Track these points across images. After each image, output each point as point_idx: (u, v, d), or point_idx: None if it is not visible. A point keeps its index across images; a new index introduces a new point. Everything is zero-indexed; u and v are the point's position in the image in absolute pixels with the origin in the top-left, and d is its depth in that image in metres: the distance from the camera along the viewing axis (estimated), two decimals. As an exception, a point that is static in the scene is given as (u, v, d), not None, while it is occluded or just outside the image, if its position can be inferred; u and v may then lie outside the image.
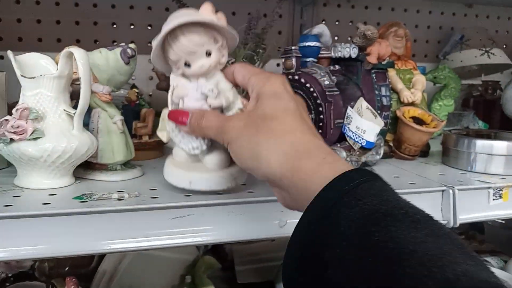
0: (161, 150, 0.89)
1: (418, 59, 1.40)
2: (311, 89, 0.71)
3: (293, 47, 0.72)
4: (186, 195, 0.64)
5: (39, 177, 0.66)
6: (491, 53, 1.26)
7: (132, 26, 1.18)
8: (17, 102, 0.89)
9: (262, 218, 0.64)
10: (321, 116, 0.71)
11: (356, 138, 0.77)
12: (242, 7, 1.21)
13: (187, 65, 0.60)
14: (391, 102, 0.85)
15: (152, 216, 0.59)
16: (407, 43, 0.97)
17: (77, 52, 0.63)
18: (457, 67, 1.29)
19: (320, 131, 0.71)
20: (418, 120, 0.90)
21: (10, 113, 0.66)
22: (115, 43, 1.16)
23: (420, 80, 0.94)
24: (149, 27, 1.19)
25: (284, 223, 0.64)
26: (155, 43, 0.59)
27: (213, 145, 0.64)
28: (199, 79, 0.61)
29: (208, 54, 0.60)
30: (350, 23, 1.33)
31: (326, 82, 0.72)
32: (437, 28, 1.42)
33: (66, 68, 0.65)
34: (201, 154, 0.64)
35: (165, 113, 0.65)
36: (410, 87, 0.94)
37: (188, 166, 0.65)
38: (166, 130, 0.65)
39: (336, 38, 1.30)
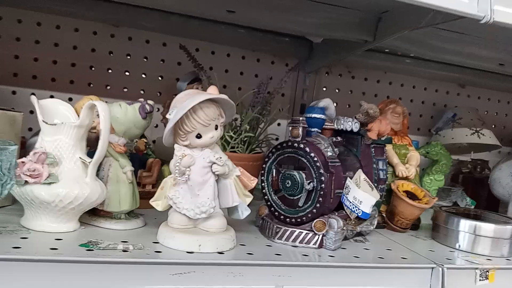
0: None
1: (412, 132, 1.47)
2: (315, 159, 0.75)
3: (300, 118, 0.77)
4: (188, 251, 0.66)
5: (46, 220, 0.68)
6: (481, 133, 1.33)
7: (143, 76, 1.23)
8: (23, 137, 0.93)
9: (260, 281, 0.65)
10: (323, 185, 0.75)
11: (353, 208, 0.81)
12: (250, 68, 1.28)
13: (198, 136, 0.66)
14: (387, 175, 0.90)
15: (155, 270, 0.61)
16: (404, 119, 1.03)
17: (100, 106, 0.67)
18: (448, 143, 1.36)
19: (320, 199, 0.75)
20: (411, 195, 0.94)
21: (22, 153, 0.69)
22: (125, 90, 1.21)
23: (415, 156, 0.99)
24: (160, 78, 1.24)
25: (280, 287, 0.66)
26: (176, 115, 0.64)
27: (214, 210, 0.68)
28: (204, 150, 0.67)
29: (216, 128, 0.68)
30: (350, 92, 1.40)
31: (329, 154, 0.76)
32: (431, 104, 1.49)
33: (87, 119, 0.69)
34: (202, 220, 0.68)
35: (166, 181, 0.69)
36: (405, 162, 0.99)
37: (191, 231, 0.69)
38: (161, 200, 0.70)
39: (335, 104, 1.36)
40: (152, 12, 1.10)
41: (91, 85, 1.19)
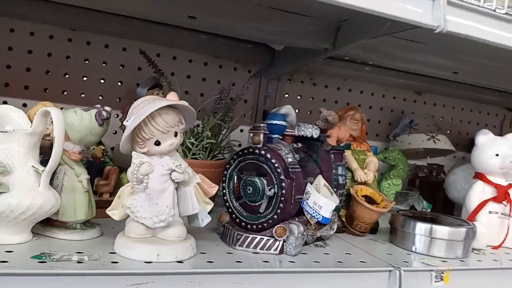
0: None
1: (370, 137, 1.50)
2: (276, 165, 0.75)
3: (261, 124, 0.78)
4: (146, 261, 0.65)
5: (1, 232, 0.65)
6: (436, 138, 1.38)
7: (102, 81, 1.20)
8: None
9: (220, 289, 0.65)
10: (283, 191, 0.75)
11: (313, 213, 0.81)
12: (213, 74, 1.28)
13: (157, 144, 0.65)
14: (346, 180, 0.91)
15: (111, 282, 0.59)
16: (362, 126, 1.05)
17: (54, 112, 0.64)
18: (405, 148, 1.39)
19: (281, 205, 0.75)
20: (369, 199, 0.96)
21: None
22: (83, 95, 1.18)
23: (373, 162, 1.01)
24: (119, 83, 1.21)
25: (241, 295, 0.66)
26: (134, 121, 0.63)
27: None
28: (163, 157, 0.66)
29: (175, 134, 0.67)
30: (311, 99, 1.42)
31: (290, 160, 0.77)
32: (389, 111, 1.54)
33: (40, 126, 0.67)
34: (161, 229, 0.67)
35: (123, 190, 0.68)
36: (364, 167, 1.01)
37: (149, 240, 0.67)
38: (118, 209, 0.69)
39: (297, 111, 1.37)
40: (112, 17, 1.08)
41: (47, 91, 1.15)
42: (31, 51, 1.13)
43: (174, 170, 0.67)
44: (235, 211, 0.81)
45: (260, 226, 0.77)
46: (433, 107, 1.60)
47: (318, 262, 0.75)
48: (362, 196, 0.96)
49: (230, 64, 1.31)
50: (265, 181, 0.76)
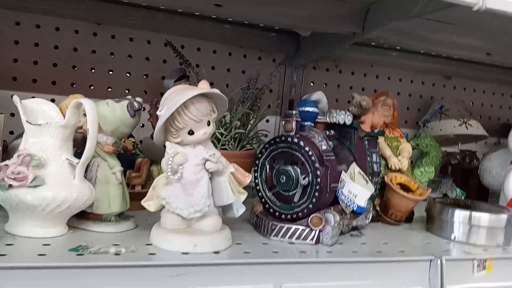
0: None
1: (399, 124, 1.46)
2: (310, 153, 0.74)
3: (293, 112, 0.76)
4: (183, 252, 0.64)
5: (33, 225, 0.65)
6: (469, 124, 1.34)
7: (128, 74, 1.20)
8: (5, 141, 0.89)
9: (258, 280, 0.64)
10: (318, 180, 0.73)
11: (348, 202, 0.79)
12: (237, 64, 1.26)
13: (190, 133, 0.63)
14: (381, 168, 0.89)
15: (150, 273, 0.58)
16: (394, 112, 1.02)
17: (88, 104, 0.64)
18: (436, 135, 1.36)
19: (316, 194, 0.73)
20: (404, 187, 0.94)
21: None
22: (109, 89, 1.18)
23: (406, 148, 0.98)
24: (145, 76, 1.21)
25: (279, 286, 0.64)
26: (167, 111, 0.62)
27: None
28: (197, 147, 0.65)
29: (208, 123, 0.66)
30: (337, 86, 1.39)
31: (324, 147, 0.75)
32: (418, 97, 1.50)
33: (73, 118, 0.66)
34: (196, 219, 0.66)
35: (158, 181, 0.67)
36: (397, 154, 0.98)
37: (185, 231, 0.66)
38: (153, 200, 0.68)
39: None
40: (135, 9, 1.07)
41: (74, 86, 1.15)
42: (57, 47, 1.13)
43: (208, 160, 0.66)
44: (268, 201, 0.79)
45: (295, 216, 0.76)
46: (463, 92, 1.55)
47: (356, 252, 0.73)
48: (397, 183, 0.93)
49: (254, 53, 1.29)
50: (298, 170, 0.75)
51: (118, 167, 0.73)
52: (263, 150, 0.80)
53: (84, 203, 0.66)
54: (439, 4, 0.73)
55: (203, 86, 0.67)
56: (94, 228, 0.72)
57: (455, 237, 0.87)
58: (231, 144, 0.95)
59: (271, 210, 0.79)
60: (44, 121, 0.67)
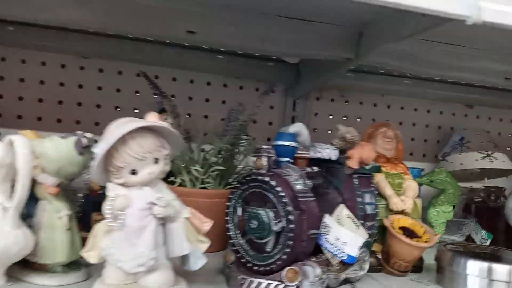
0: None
1: (416, 158, 1.33)
2: (282, 194, 0.63)
3: (264, 146, 0.66)
4: (123, 313, 0.54)
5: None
6: (493, 157, 1.19)
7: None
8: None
9: None
10: (292, 226, 0.62)
11: (335, 251, 0.68)
12: (232, 96, 1.18)
13: (133, 173, 0.55)
14: (377, 210, 0.77)
15: None
16: (398, 144, 0.90)
17: (18, 140, 0.57)
18: (457, 169, 1.22)
19: (290, 242, 0.62)
20: (409, 231, 0.81)
21: None
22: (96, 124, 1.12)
23: (411, 186, 0.86)
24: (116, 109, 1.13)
25: None
26: (103, 148, 0.54)
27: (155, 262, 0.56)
28: (143, 188, 0.57)
29: (156, 161, 0.57)
30: (345, 118, 1.29)
31: (299, 187, 0.64)
32: (436, 128, 1.36)
33: (8, 157, 0.59)
34: (142, 274, 0.57)
35: (99, 228, 0.58)
36: (401, 192, 0.86)
37: None
38: (94, 250, 0.59)
39: (329, 132, 1.25)
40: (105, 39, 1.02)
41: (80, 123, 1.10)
42: (43, 82, 1.09)
43: (154, 204, 0.57)
44: (240, 250, 0.69)
45: (268, 268, 0.65)
46: (488, 122, 1.41)
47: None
48: (400, 228, 0.80)
49: (251, 84, 1.21)
50: (272, 214, 0.64)
51: (65, 211, 0.65)
52: (234, 190, 0.70)
53: (18, 252, 0.58)
54: (431, 21, 0.63)
55: (150, 119, 0.58)
56: (36, 280, 0.63)
57: (468, 293, 0.73)
58: (212, 182, 0.86)
59: (243, 260, 0.68)
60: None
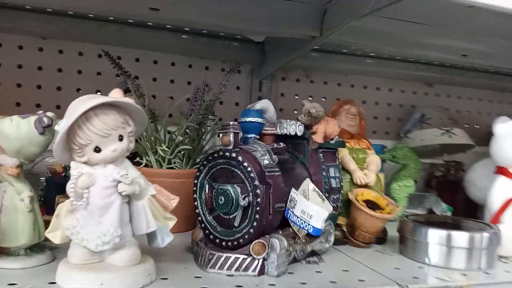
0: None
1: (379, 136, 1.37)
2: (249, 169, 0.64)
3: (231, 122, 0.66)
4: (90, 292, 0.53)
5: None
6: (452, 132, 1.23)
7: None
8: None
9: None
10: (258, 200, 0.63)
11: (302, 224, 0.69)
12: (198, 77, 1.17)
13: (97, 150, 0.54)
14: (342, 184, 0.79)
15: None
16: (361, 121, 0.92)
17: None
18: (418, 146, 1.25)
19: (257, 216, 0.63)
20: (373, 204, 0.83)
21: None
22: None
23: (374, 161, 0.88)
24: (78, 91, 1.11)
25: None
26: (64, 125, 0.53)
27: (121, 240, 0.56)
28: (107, 166, 0.56)
29: (120, 138, 0.56)
30: (310, 98, 1.30)
31: (266, 162, 0.65)
32: (398, 106, 1.40)
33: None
34: (108, 252, 0.56)
35: (61, 207, 0.57)
36: (365, 167, 0.88)
37: (94, 267, 0.56)
38: (58, 230, 0.58)
39: (295, 112, 1.26)
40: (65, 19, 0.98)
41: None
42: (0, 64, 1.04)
43: (119, 181, 0.56)
44: (208, 226, 0.69)
45: (235, 243, 0.65)
46: (447, 99, 1.46)
47: (305, 284, 0.62)
48: (364, 201, 0.83)
49: (217, 65, 1.20)
50: (239, 189, 0.65)
51: (27, 193, 0.63)
52: (201, 167, 0.70)
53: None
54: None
55: (114, 95, 0.57)
56: (-4, 263, 0.61)
57: (430, 261, 0.76)
58: (179, 162, 0.85)
59: (211, 236, 0.68)
60: None
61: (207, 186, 0.69)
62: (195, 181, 0.71)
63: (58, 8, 0.88)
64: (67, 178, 0.80)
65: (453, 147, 1.31)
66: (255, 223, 0.64)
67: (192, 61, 1.18)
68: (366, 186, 0.85)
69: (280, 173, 0.66)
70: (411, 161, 1.07)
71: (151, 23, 1.00)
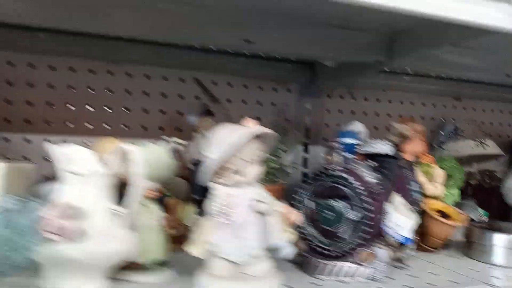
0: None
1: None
2: (359, 187, 0.71)
3: (335, 144, 0.74)
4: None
5: (75, 279, 0.60)
6: (485, 144, 1.34)
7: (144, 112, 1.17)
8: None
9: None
10: (371, 214, 0.71)
11: (395, 234, 0.77)
12: (252, 96, 1.25)
13: (239, 174, 0.62)
14: (420, 196, 0.87)
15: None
16: (423, 137, 1.01)
17: (132, 151, 0.61)
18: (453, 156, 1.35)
19: (366, 228, 0.71)
20: (442, 213, 0.92)
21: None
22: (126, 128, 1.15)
23: (440, 174, 0.97)
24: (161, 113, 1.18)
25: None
26: (221, 154, 0.59)
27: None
28: (247, 187, 0.62)
29: (257, 162, 0.64)
30: (352, 114, 1.39)
31: (372, 180, 0.73)
32: (430, 119, 1.50)
33: (119, 166, 0.63)
34: (246, 264, 0.64)
35: (202, 224, 0.64)
36: (431, 180, 0.96)
37: (237, 277, 0.63)
38: (197, 244, 0.64)
39: (338, 126, 1.34)
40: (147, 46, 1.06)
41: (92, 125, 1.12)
42: (71, 86, 1.10)
43: (258, 201, 0.63)
44: (311, 238, 0.76)
45: (340, 252, 0.73)
46: (473, 112, 1.56)
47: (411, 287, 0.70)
48: (434, 210, 0.91)
49: (269, 84, 1.28)
50: (345, 205, 0.72)
51: (159, 213, 0.70)
52: (306, 185, 0.77)
53: (129, 254, 0.63)
54: (474, 32, 0.73)
55: (252, 125, 0.64)
56: (134, 277, 0.68)
57: (496, 262, 0.85)
58: (265, 179, 0.92)
59: (314, 247, 0.76)
60: (81, 169, 0.63)
61: (310, 201, 0.77)
62: (298, 197, 0.78)
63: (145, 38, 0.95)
64: (165, 196, 0.87)
65: (482, 157, 1.41)
66: (365, 235, 0.71)
67: (247, 82, 1.25)
68: (435, 197, 0.93)
69: (383, 190, 0.74)
70: (456, 171, 1.16)
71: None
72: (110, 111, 1.14)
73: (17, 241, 0.58)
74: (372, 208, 0.71)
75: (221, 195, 0.63)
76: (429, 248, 0.91)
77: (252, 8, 0.74)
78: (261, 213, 0.65)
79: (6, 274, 0.60)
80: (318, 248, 0.75)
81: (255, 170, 0.64)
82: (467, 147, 1.34)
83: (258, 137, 0.64)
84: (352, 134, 0.78)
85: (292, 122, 1.29)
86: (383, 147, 0.79)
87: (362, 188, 0.71)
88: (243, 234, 0.63)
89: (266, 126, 0.96)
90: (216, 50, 1.11)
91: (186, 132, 1.08)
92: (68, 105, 1.09)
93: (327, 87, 1.32)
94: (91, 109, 1.11)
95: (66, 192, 0.62)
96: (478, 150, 1.33)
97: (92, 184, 0.62)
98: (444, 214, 0.92)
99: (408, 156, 0.80)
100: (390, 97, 1.43)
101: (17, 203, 0.62)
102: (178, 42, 1.01)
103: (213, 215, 0.63)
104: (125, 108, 1.15)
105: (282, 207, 0.67)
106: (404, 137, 0.78)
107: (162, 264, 0.71)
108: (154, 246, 0.69)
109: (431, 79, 1.40)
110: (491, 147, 1.34)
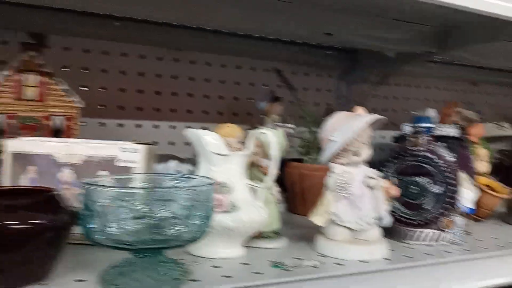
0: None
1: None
2: (442, 165, 0.84)
3: (422, 128, 0.86)
4: (360, 260, 0.72)
5: (221, 247, 0.70)
6: (503, 126, 1.49)
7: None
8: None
9: (427, 280, 0.73)
10: (453, 188, 0.83)
11: (461, 205, 0.90)
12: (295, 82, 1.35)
13: (356, 154, 0.73)
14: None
15: (342, 282, 0.66)
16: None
17: (271, 134, 0.71)
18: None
19: (450, 200, 0.84)
20: (489, 188, 1.06)
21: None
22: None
23: (485, 153, 1.11)
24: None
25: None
26: (344, 138, 0.70)
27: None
28: (361, 166, 0.74)
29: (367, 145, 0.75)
30: (384, 98, 1.51)
31: (451, 158, 0.85)
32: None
33: (254, 147, 0.73)
34: (361, 231, 0.75)
35: (326, 197, 0.74)
36: (477, 159, 1.10)
37: (356, 242, 0.75)
38: (321, 215, 0.75)
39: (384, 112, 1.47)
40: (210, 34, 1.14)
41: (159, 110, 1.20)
42: (142, 73, 1.17)
43: (370, 177, 0.75)
44: (395, 210, 0.88)
45: (422, 221, 0.85)
46: (488, 96, 1.72)
47: (486, 248, 0.84)
48: (483, 184, 1.05)
49: (313, 71, 1.38)
50: (429, 180, 0.85)
51: (276, 187, 0.80)
52: (390, 164, 0.89)
53: (264, 224, 0.73)
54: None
55: (361, 112, 0.75)
56: (259, 244, 0.77)
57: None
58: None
59: (398, 217, 0.88)
60: (226, 151, 0.72)
61: (393, 178, 0.89)
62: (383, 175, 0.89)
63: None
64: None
65: (498, 138, 1.57)
66: (446, 205, 0.84)
67: (294, 68, 1.35)
68: (482, 174, 1.07)
69: (458, 166, 0.87)
70: (488, 150, 1.30)
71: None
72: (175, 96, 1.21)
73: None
74: (454, 182, 0.83)
75: (340, 172, 0.74)
76: (479, 218, 1.05)
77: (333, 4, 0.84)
78: (371, 188, 0.76)
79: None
80: (402, 219, 0.87)
81: (367, 151, 0.75)
82: (489, 129, 1.48)
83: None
84: (428, 119, 0.90)
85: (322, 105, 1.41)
86: (450, 130, 0.92)
87: (445, 165, 0.84)
88: (359, 205, 0.74)
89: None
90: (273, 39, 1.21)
91: (255, 117, 1.18)
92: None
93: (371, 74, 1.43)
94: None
95: (210, 171, 0.71)
96: (499, 132, 1.48)
97: (234, 163, 0.71)
98: (490, 188, 1.06)
99: (474, 138, 0.93)
100: (419, 83, 1.56)
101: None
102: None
103: (333, 189, 0.74)
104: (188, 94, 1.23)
105: (384, 182, 0.79)
106: (471, 121, 0.91)
107: (277, 233, 0.82)
108: (273, 217, 0.79)
109: (453, 66, 1.54)
110: (508, 129, 1.49)
